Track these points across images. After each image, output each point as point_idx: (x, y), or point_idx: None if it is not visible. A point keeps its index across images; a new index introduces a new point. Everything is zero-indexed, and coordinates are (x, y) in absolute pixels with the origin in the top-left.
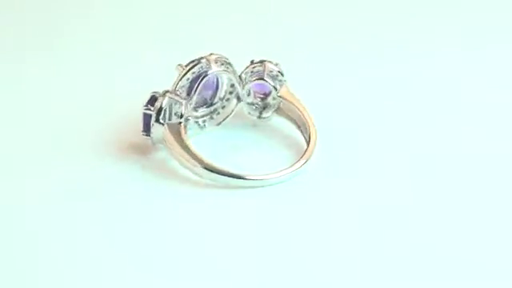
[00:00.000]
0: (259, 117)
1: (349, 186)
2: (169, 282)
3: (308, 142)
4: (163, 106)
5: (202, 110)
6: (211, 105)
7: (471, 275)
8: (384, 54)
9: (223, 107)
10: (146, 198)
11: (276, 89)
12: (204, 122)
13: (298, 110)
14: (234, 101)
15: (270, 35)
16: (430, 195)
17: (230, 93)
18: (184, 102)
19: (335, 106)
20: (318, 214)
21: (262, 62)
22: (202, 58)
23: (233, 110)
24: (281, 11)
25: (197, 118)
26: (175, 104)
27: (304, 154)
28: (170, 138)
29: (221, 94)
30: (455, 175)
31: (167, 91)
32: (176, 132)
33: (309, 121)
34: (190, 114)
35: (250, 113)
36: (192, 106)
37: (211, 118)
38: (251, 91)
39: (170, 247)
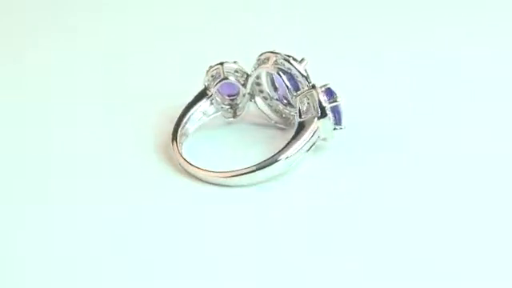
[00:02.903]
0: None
1: (355, 186)
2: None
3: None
4: (210, 70)
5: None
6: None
7: (471, 275)
8: (389, 52)
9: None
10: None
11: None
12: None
13: None
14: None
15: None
16: (436, 198)
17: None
18: (221, 80)
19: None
20: (322, 214)
21: (313, 86)
22: (270, 53)
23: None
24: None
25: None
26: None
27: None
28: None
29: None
30: (461, 178)
31: (226, 62)
32: (193, 100)
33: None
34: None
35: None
36: (273, 96)
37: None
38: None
39: (173, 245)
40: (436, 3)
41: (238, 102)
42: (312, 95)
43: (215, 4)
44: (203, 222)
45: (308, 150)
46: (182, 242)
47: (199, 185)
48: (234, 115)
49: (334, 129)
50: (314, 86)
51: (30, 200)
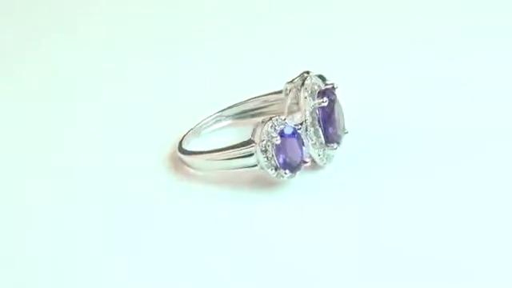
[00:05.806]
0: None
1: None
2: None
3: None
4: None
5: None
6: None
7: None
8: (393, 56)
9: None
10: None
11: None
12: None
13: None
14: None
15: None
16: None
17: None
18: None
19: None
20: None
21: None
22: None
23: None
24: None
25: None
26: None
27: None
28: None
29: None
30: (462, 181)
31: (302, 77)
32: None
33: None
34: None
35: None
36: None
37: None
38: None
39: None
40: (438, 3)
41: None
42: (266, 122)
43: (217, 6)
44: (203, 224)
45: (239, 167)
46: (181, 243)
47: (200, 186)
48: None
49: (277, 170)
50: (271, 118)
51: (32, 200)
